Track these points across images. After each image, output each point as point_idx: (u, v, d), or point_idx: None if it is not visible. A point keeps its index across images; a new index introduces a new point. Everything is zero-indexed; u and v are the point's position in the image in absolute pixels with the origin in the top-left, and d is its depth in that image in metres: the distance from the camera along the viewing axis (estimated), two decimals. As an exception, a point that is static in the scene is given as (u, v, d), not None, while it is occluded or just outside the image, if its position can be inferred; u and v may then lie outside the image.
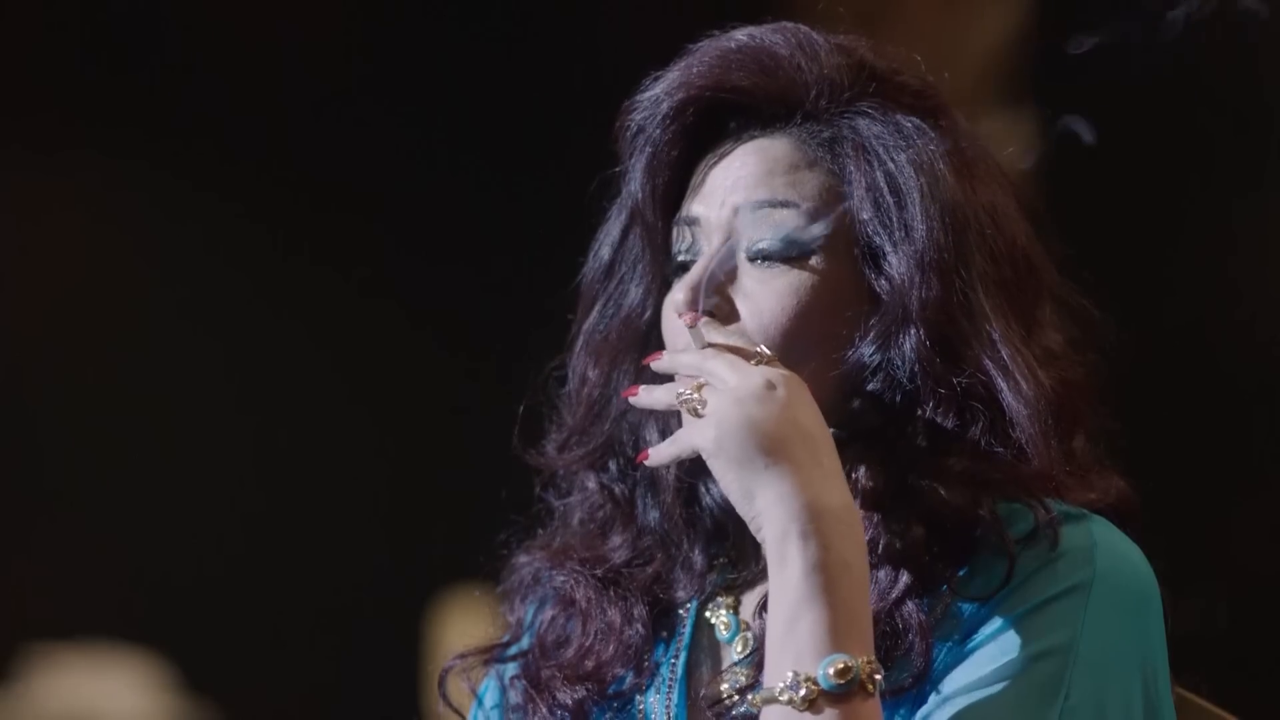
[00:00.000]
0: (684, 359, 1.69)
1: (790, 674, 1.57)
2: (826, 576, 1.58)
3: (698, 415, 1.65)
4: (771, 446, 1.61)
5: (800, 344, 1.71)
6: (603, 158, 1.84)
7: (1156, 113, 2.85)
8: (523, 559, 1.87)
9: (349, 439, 3.45)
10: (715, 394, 1.64)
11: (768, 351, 1.68)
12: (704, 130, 1.79)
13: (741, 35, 1.79)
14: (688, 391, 1.66)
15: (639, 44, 1.89)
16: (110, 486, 3.42)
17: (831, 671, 1.56)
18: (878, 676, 1.57)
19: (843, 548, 1.59)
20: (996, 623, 1.64)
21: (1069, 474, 1.73)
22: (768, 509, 1.60)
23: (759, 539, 1.62)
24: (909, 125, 1.74)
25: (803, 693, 1.56)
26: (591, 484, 1.85)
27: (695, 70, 1.78)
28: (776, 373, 1.65)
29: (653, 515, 1.84)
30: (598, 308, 1.85)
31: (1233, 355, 3.14)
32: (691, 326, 1.70)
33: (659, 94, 1.79)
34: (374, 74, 3.46)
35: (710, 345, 1.69)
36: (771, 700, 1.57)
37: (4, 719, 3.35)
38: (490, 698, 1.86)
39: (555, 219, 1.99)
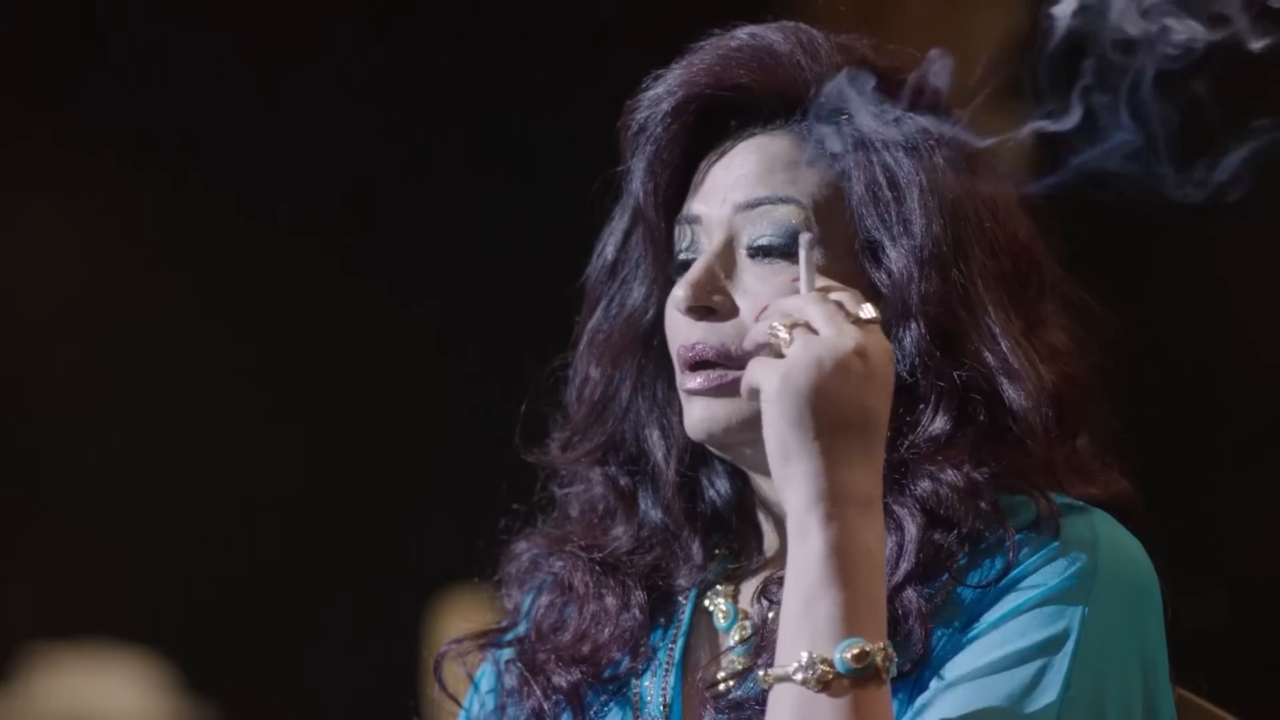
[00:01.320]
0: (788, 301, 1.65)
1: (805, 654, 1.56)
2: (848, 560, 1.57)
3: (781, 356, 1.61)
4: (826, 422, 1.58)
5: (799, 339, 1.70)
6: (607, 157, 1.85)
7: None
8: (522, 545, 1.87)
9: (349, 435, 3.45)
10: (803, 341, 1.60)
11: (874, 313, 1.64)
12: (705, 129, 1.79)
13: (743, 34, 1.79)
14: (781, 328, 1.62)
15: (641, 43, 1.89)
16: (110, 487, 3.42)
17: (849, 655, 1.55)
18: (891, 664, 1.57)
19: (865, 534, 1.58)
20: (997, 612, 1.64)
21: (1070, 468, 1.74)
22: (797, 479, 1.58)
23: (780, 499, 1.61)
24: (908, 122, 1.74)
25: (817, 674, 1.55)
26: (594, 477, 1.86)
27: (696, 68, 1.78)
28: (874, 340, 1.61)
29: (655, 513, 1.84)
30: (601, 307, 1.85)
31: (1233, 356, 3.14)
32: (809, 247, 1.67)
33: (660, 93, 1.79)
34: (377, 74, 3.47)
35: (820, 289, 1.65)
36: (785, 679, 1.57)
37: (4, 719, 3.35)
38: (486, 682, 1.86)
39: (561, 218, 1.99)
